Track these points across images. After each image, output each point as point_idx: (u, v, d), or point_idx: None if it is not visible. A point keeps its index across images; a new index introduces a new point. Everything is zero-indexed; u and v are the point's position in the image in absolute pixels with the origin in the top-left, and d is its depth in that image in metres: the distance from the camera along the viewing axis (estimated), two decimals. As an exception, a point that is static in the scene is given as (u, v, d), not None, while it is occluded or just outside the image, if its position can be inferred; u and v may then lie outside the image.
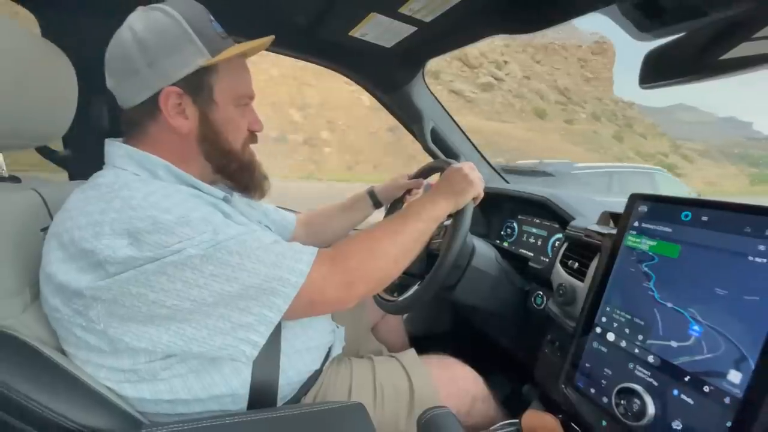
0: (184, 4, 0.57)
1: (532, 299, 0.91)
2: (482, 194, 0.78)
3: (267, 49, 1.04)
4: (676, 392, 0.51)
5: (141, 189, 0.52)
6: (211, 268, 0.48)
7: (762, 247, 0.48)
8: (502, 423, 0.72)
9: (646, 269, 0.58)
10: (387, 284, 0.65)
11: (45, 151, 0.95)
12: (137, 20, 0.55)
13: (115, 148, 0.58)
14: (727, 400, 0.47)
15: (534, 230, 1.10)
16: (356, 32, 0.94)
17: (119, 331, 0.49)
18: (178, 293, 0.47)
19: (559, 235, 0.99)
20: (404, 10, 0.81)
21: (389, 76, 1.19)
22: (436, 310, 1.39)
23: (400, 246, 0.63)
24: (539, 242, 1.07)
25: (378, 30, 0.92)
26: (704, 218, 0.55)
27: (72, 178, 0.98)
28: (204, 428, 0.50)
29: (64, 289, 0.48)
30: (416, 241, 0.66)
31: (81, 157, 0.97)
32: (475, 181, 0.76)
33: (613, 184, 5.30)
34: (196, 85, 0.57)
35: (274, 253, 0.52)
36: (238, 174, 0.64)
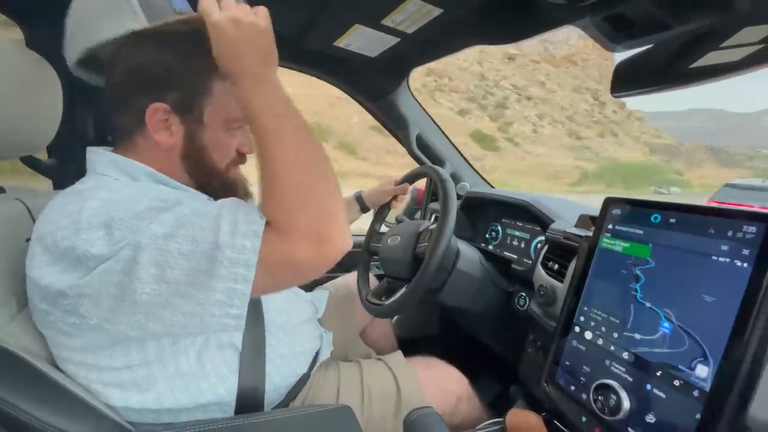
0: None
1: (516, 300, 0.94)
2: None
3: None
4: (649, 387, 0.54)
5: (120, 190, 0.52)
6: (176, 245, 0.46)
7: (725, 248, 0.51)
8: (486, 422, 0.73)
9: (638, 272, 0.59)
10: (338, 208, 0.52)
11: (29, 161, 0.94)
12: None
13: (97, 156, 0.58)
14: (696, 393, 0.49)
15: (517, 233, 1.12)
16: (341, 42, 0.96)
17: (113, 321, 0.48)
18: (154, 277, 0.46)
19: (541, 238, 1.02)
20: (387, 22, 0.83)
21: (375, 85, 1.21)
22: (424, 314, 1.41)
23: (303, 156, 0.50)
24: (522, 245, 1.09)
25: (362, 40, 0.94)
26: (672, 220, 0.58)
27: (57, 187, 0.98)
28: (192, 434, 0.51)
29: (49, 291, 0.48)
30: (302, 141, 0.51)
31: (66, 166, 0.97)
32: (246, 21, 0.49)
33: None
34: (187, 105, 0.56)
35: (228, 222, 0.48)
36: (220, 192, 0.63)
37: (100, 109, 0.94)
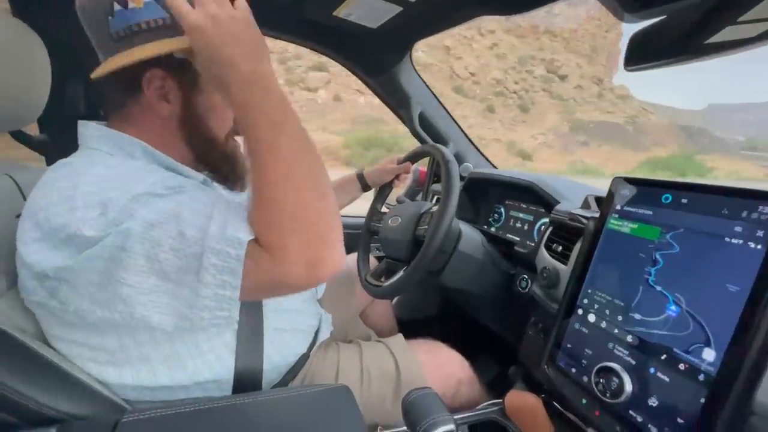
0: None
1: (518, 283, 0.93)
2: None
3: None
4: (652, 370, 0.53)
5: (117, 166, 0.50)
6: (166, 238, 0.44)
7: (738, 229, 0.49)
8: (486, 403, 0.73)
9: (657, 256, 0.56)
10: (334, 222, 0.48)
11: (20, 136, 0.92)
12: None
13: (90, 130, 0.56)
14: (701, 377, 0.48)
15: (521, 215, 1.10)
16: (341, 12, 0.92)
17: (90, 312, 0.47)
18: (142, 269, 0.44)
19: (545, 220, 1.00)
20: (389, -12, 0.79)
21: (375, 59, 1.17)
22: (425, 295, 1.40)
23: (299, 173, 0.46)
24: (525, 227, 1.07)
25: (362, 9, 0.90)
26: (683, 200, 0.56)
27: (50, 163, 0.96)
28: (188, 413, 0.51)
29: (34, 269, 0.46)
30: (302, 152, 0.47)
31: (58, 141, 0.94)
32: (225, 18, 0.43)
33: None
34: (183, 68, 0.53)
35: (217, 224, 0.46)
36: (219, 164, 0.62)
37: (91, 81, 0.91)
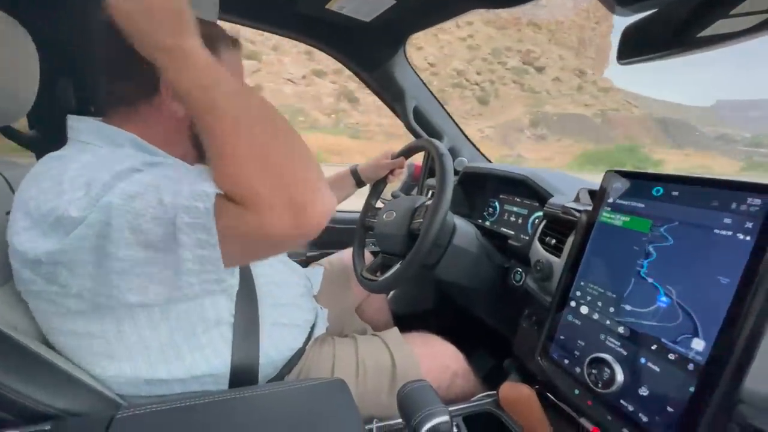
0: None
1: (512, 276, 0.93)
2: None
3: (245, 26, 1.01)
4: (643, 360, 0.54)
5: (105, 155, 0.50)
6: (147, 208, 0.44)
7: (727, 220, 0.50)
8: (480, 395, 0.74)
9: (650, 249, 0.57)
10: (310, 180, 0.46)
11: (9, 132, 0.90)
12: None
13: (80, 123, 0.56)
14: (690, 366, 0.49)
15: (515, 209, 1.11)
16: (334, 5, 0.91)
17: (93, 292, 0.47)
18: (128, 242, 0.44)
19: (539, 213, 1.00)
20: (382, -19, 0.79)
21: (370, 53, 1.16)
22: (420, 290, 1.41)
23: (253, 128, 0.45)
24: (520, 220, 1.08)
25: (356, 2, 0.90)
26: (674, 193, 0.56)
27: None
28: (184, 407, 0.51)
29: (28, 257, 0.46)
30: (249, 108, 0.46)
31: (48, 137, 0.93)
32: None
33: None
34: None
35: (187, 183, 0.45)
36: None
37: (81, 77, 0.90)
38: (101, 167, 0.46)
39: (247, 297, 0.64)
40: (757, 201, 0.48)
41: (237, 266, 0.48)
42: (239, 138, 0.44)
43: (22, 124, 0.93)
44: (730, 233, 0.49)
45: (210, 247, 0.44)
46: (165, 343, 0.56)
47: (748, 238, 0.47)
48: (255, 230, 0.44)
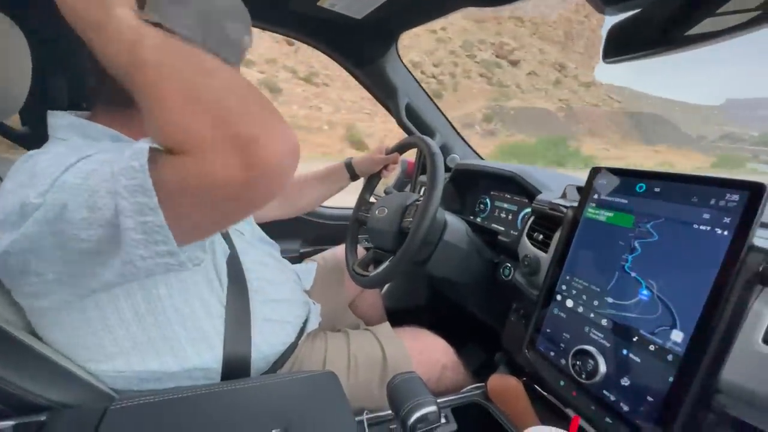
0: None
1: (501, 271, 0.95)
2: None
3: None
4: (625, 352, 0.55)
5: (78, 145, 0.50)
6: (101, 182, 0.41)
7: (706, 216, 0.51)
8: (469, 387, 0.76)
9: (636, 244, 0.58)
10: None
11: (2, 129, 0.90)
12: None
13: (58, 119, 0.55)
14: (669, 357, 0.51)
15: (505, 205, 1.12)
16: (325, 2, 0.92)
17: (70, 275, 0.46)
18: (88, 221, 0.41)
19: (528, 209, 1.02)
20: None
21: (361, 50, 1.17)
22: (413, 285, 1.42)
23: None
24: (510, 216, 1.09)
25: None
26: (656, 189, 0.58)
27: None
28: (176, 399, 0.52)
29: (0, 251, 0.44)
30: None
31: (41, 134, 0.93)
32: None
33: None
34: None
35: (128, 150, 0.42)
36: None
37: (73, 73, 0.90)
38: (71, 155, 0.45)
39: (238, 292, 0.65)
40: (735, 197, 0.49)
41: (194, 240, 0.45)
42: (168, 82, 0.39)
43: (14, 121, 0.92)
44: (708, 228, 0.51)
45: (151, 212, 0.39)
46: (154, 338, 0.56)
47: (725, 233, 0.49)
48: (200, 179, 0.38)
